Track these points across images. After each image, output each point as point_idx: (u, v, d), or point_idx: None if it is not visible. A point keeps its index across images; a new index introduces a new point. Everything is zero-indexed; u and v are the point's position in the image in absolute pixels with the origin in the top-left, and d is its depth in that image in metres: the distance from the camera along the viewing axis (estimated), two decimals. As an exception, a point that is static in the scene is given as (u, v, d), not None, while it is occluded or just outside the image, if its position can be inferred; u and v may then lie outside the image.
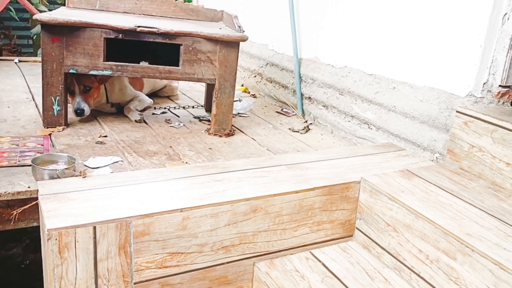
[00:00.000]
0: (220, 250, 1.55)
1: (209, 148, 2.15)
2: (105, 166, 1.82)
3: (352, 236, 1.82)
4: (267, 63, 3.32)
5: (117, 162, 1.88)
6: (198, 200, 1.51)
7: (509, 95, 1.95)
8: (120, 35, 2.11)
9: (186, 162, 1.95)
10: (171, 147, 2.12)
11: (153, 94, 2.95)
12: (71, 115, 2.32)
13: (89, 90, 2.36)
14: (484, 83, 1.90)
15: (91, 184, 1.56)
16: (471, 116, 1.85)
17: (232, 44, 2.26)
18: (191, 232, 1.48)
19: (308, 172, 1.81)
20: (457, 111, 1.89)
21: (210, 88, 2.70)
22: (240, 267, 1.60)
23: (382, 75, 2.33)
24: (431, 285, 1.47)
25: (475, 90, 1.90)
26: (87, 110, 2.32)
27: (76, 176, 1.62)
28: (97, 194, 1.49)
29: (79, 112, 2.29)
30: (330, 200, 1.73)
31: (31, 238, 3.17)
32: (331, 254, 1.69)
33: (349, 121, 2.53)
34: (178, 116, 2.62)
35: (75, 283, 1.33)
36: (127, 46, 2.24)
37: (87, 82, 2.33)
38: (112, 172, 1.76)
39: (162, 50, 2.28)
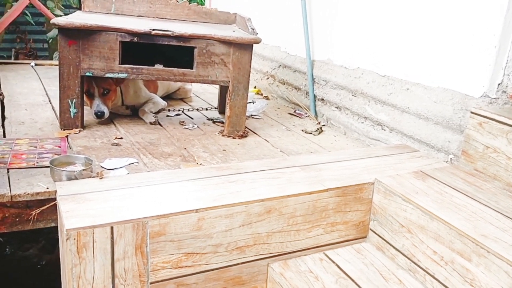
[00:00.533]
0: (235, 251, 1.56)
1: (223, 150, 2.17)
2: (121, 167, 1.84)
3: (366, 237, 1.83)
4: (280, 65, 3.33)
5: (132, 163, 1.90)
6: (213, 201, 1.53)
7: (525, 96, 1.93)
8: (135, 38, 2.14)
9: (201, 164, 1.97)
10: (185, 148, 2.14)
11: (167, 97, 2.98)
12: (87, 117, 2.36)
13: (108, 93, 2.39)
14: (499, 84, 1.89)
15: (108, 185, 1.59)
16: (485, 117, 1.84)
17: (245, 46, 2.27)
18: (206, 233, 1.50)
19: (321, 173, 1.82)
20: (471, 112, 1.89)
21: (223, 90, 2.72)
22: (255, 267, 1.61)
23: (395, 76, 2.33)
24: (446, 286, 1.47)
25: (490, 91, 1.90)
26: (107, 112, 2.35)
27: (93, 177, 1.65)
28: (114, 195, 1.51)
29: (99, 114, 2.32)
30: (344, 201, 1.73)
31: (47, 239, 3.22)
32: (345, 255, 1.70)
33: (362, 123, 2.53)
34: (192, 118, 2.65)
35: (93, 283, 1.35)
36: (142, 49, 2.27)
37: (105, 85, 2.37)
38: (128, 173, 1.78)
39: (177, 53, 2.31)
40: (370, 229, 1.81)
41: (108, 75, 2.19)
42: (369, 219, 1.81)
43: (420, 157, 2.06)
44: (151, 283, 1.43)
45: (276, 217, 1.61)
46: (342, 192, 1.72)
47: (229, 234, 1.54)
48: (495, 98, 1.91)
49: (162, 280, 1.45)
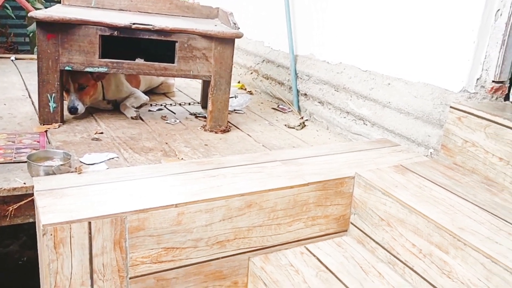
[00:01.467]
0: (215, 245, 1.56)
1: (205, 145, 2.16)
2: (100, 162, 1.83)
3: (346, 231, 1.84)
4: (263, 60, 3.33)
5: (112, 158, 1.88)
6: (193, 195, 1.52)
7: (503, 91, 1.96)
8: (116, 32, 2.12)
9: (182, 158, 1.96)
10: (167, 143, 2.13)
11: (149, 91, 2.96)
12: (67, 112, 2.33)
13: (84, 88, 2.36)
14: (478, 79, 1.91)
15: (86, 180, 1.57)
16: (464, 111, 1.86)
17: (227, 41, 2.27)
18: (186, 227, 1.49)
19: (303, 167, 1.82)
20: (450, 107, 1.91)
21: (206, 85, 2.71)
22: (235, 262, 1.61)
23: (376, 71, 2.34)
24: (424, 278, 1.49)
25: (469, 85, 1.92)
26: (80, 108, 2.32)
27: (72, 172, 1.63)
28: (92, 190, 1.50)
29: (72, 110, 2.30)
30: (325, 195, 1.74)
31: (28, 235, 3.18)
32: (326, 249, 1.71)
33: (345, 117, 2.54)
34: (174, 113, 2.63)
35: (71, 278, 1.34)
36: (123, 44, 2.25)
37: (82, 80, 2.34)
38: (107, 169, 1.76)
39: (158, 48, 2.29)
40: (351, 223, 1.82)
41: (88, 69, 2.16)
42: (349, 213, 1.82)
43: (400, 151, 2.08)
44: (130, 278, 1.42)
45: (256, 212, 1.61)
46: (322, 186, 1.72)
47: (210, 228, 1.53)
48: (474, 93, 1.93)
49: (141, 275, 1.45)
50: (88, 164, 1.79)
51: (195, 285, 1.56)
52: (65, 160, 1.68)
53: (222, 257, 1.58)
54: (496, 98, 1.95)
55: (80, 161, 1.81)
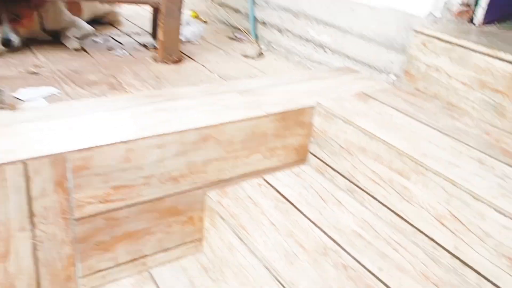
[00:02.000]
0: (169, 181, 1.47)
1: (156, 77, 2.01)
2: (39, 98, 1.66)
3: (305, 160, 1.78)
4: (218, -14, 3.11)
5: (53, 94, 1.72)
6: (142, 130, 1.40)
7: (469, 14, 1.88)
8: (47, -50, 1.88)
9: (130, 92, 1.82)
10: (113, 76, 1.97)
11: (94, 22, 2.72)
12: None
13: (19, 18, 2.13)
14: (445, 2, 1.82)
15: (22, 117, 1.42)
16: (429, 35, 1.78)
17: (175, -39, 2.06)
18: (136, 164, 1.39)
19: (261, 98, 1.72)
20: (415, 31, 1.82)
21: (156, 13, 2.50)
22: (191, 197, 1.54)
23: (337, -5, 2.20)
24: (383, 204, 1.46)
25: (435, 10, 1.82)
26: (15, 40, 2.10)
27: (4, 109, 1.47)
28: (29, 128, 1.35)
29: (4, 42, 2.07)
30: (284, 126, 1.65)
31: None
32: (285, 180, 1.65)
33: (304, 45, 2.42)
34: (122, 44, 2.44)
35: (9, 224, 1.22)
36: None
37: (15, 10, 2.10)
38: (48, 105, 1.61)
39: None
40: (310, 152, 1.76)
41: (19, -6, 1.93)
42: (309, 143, 1.75)
43: (362, 79, 2.00)
44: (76, 220, 1.32)
45: (213, 145, 1.51)
46: (282, 117, 1.63)
47: (162, 165, 1.43)
48: (440, 17, 1.84)
49: (89, 216, 1.35)
50: (24, 100, 1.63)
51: (149, 222, 1.48)
52: (-3, 95, 1.52)
53: (177, 193, 1.50)
54: (462, 22, 1.87)
55: (14, 97, 1.64)
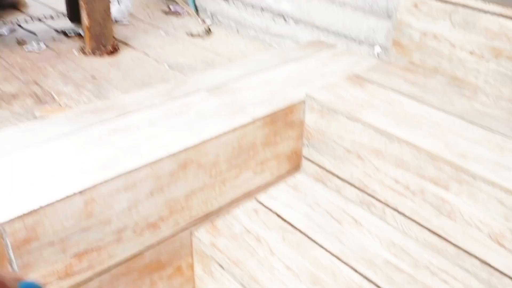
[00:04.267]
0: (146, 230, 1.11)
1: (92, 77, 1.58)
2: None
3: (299, 167, 1.48)
4: None
5: (-43, 121, 1.26)
6: (102, 169, 1.02)
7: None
8: None
9: (65, 105, 1.39)
10: (36, 83, 1.51)
11: (-10, 5, 2.16)
12: None
13: None
14: (431, -47, 1.54)
15: None
16: (420, -4, 1.50)
17: None
18: (101, 218, 1.01)
19: (238, 96, 1.37)
20: (403, -8, 1.53)
21: (71, -10, 2.01)
22: (175, 242, 1.19)
23: (297, -47, 1.85)
24: (413, 220, 1.21)
25: (421, -37, 1.54)
26: None
27: None
28: None
29: None
30: (274, 130, 1.33)
31: None
32: (282, 198, 1.35)
33: (259, 16, 2.06)
34: (35, 34, 1.93)
35: None
36: None
37: None
38: (-48, 141, 1.15)
39: None
40: (304, 157, 1.46)
41: None
42: (301, 146, 1.45)
43: (342, 54, 1.70)
44: (31, 316, 0.94)
45: (194, 172, 1.17)
46: (270, 120, 1.31)
47: (135, 211, 1.07)
48: (425, -29, 1.56)
49: (48, 304, 0.97)
50: None
51: (128, 286, 1.13)
52: None
53: (158, 242, 1.15)
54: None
55: None
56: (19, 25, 1.99)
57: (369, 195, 1.30)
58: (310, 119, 1.39)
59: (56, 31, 1.97)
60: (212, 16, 2.28)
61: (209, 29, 2.12)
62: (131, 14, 2.26)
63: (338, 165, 1.36)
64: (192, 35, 2.06)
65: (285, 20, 1.96)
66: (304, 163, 1.46)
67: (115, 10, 2.20)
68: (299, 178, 1.44)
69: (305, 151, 1.44)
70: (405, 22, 1.56)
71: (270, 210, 1.30)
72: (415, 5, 1.51)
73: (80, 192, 0.97)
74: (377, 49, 1.68)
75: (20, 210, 0.90)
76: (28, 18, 2.07)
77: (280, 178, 1.42)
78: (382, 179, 1.25)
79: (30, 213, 0.90)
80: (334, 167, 1.37)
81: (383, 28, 1.65)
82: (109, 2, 1.74)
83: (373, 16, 1.67)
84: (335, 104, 1.33)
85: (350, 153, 1.31)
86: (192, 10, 2.34)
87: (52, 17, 2.11)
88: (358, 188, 1.32)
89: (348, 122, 1.29)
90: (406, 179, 1.20)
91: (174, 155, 1.10)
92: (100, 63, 1.69)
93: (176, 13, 2.34)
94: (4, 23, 1.98)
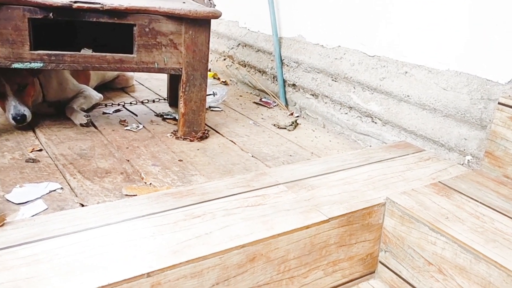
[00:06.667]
0: (207, 322, 1.08)
1: (179, 160, 1.66)
2: (37, 199, 1.31)
3: (374, 272, 1.40)
4: (239, 44, 2.82)
5: (54, 190, 1.37)
6: (172, 254, 1.04)
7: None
8: (51, 14, 1.57)
9: (150, 184, 1.47)
10: (128, 161, 1.62)
11: (103, 86, 2.42)
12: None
13: (25, 88, 1.82)
14: (531, 65, 1.49)
15: (10, 238, 1.06)
16: (516, 108, 1.44)
17: (201, 22, 1.76)
18: (164, 304, 1.01)
19: (315, 193, 1.36)
20: (499, 103, 1.48)
21: (174, 78, 2.19)
22: None
23: (388, 57, 1.89)
24: None
25: (519, 74, 1.50)
26: (29, 114, 1.80)
27: (-11, 224, 1.11)
28: (17, 258, 0.98)
29: (19, 119, 1.76)
30: (349, 231, 1.29)
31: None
32: (354, 305, 1.27)
33: (346, 113, 2.09)
34: (136, 115, 2.11)
35: None
36: (64, 31, 1.71)
37: (19, 79, 1.79)
38: (46, 209, 1.25)
39: (111, 35, 1.76)
40: (380, 262, 1.38)
41: (15, 65, 1.61)
42: (378, 250, 1.38)
43: (429, 159, 1.64)
44: None
45: (262, 266, 1.14)
46: (347, 221, 1.27)
47: (198, 300, 1.06)
48: (523, 83, 1.51)
49: None
50: (19, 204, 1.27)
51: None
52: (-20, 204, 1.16)
53: (218, 336, 1.12)
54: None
55: (7, 200, 1.29)
56: (124, 106, 2.19)
57: (450, 316, 1.18)
58: (390, 224, 1.33)
59: (155, 114, 2.13)
60: (300, 110, 2.35)
61: (296, 122, 2.18)
62: (224, 101, 2.40)
63: (416, 276, 1.26)
64: (279, 126, 2.12)
65: (372, 119, 1.96)
66: (380, 268, 1.38)
67: (210, 99, 2.36)
68: (373, 283, 1.36)
69: (382, 256, 1.37)
70: (500, 134, 1.49)
71: (339, 318, 1.22)
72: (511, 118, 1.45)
73: (148, 274, 0.98)
74: (467, 157, 1.61)
75: (91, 285, 0.92)
76: (132, 100, 2.28)
77: (352, 281, 1.34)
78: (465, 300, 1.14)
79: (98, 289, 0.93)
80: (412, 277, 1.28)
81: (475, 137, 1.58)
82: (205, 93, 1.86)
83: (465, 124, 1.61)
84: (417, 212, 1.26)
85: (430, 265, 1.22)
86: (282, 103, 2.44)
87: (153, 101, 2.30)
88: (438, 307, 1.21)
89: (430, 232, 1.21)
90: (493, 305, 1.08)
91: (244, 246, 1.10)
92: (189, 148, 1.78)
93: (267, 104, 2.45)
94: (112, 104, 2.19)
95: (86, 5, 1.58)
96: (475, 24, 1.56)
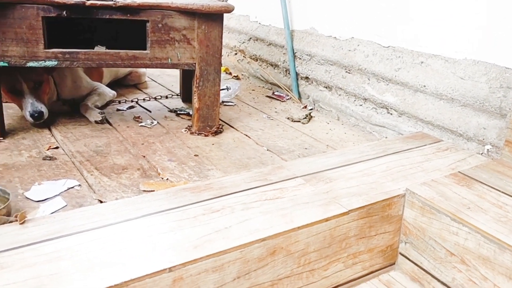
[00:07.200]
0: (229, 316, 1.08)
1: (195, 155, 1.66)
2: (55, 196, 1.31)
3: (394, 264, 1.39)
4: (250, 38, 2.81)
5: (72, 187, 1.37)
6: (194, 249, 1.04)
7: None
8: (64, 12, 1.57)
9: (167, 179, 1.47)
10: (144, 157, 1.62)
11: (115, 83, 2.42)
12: (10, 120, 1.79)
13: (41, 86, 1.83)
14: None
15: (31, 235, 1.06)
16: (536, 96, 1.41)
17: (214, 17, 1.75)
18: (186, 298, 1.01)
19: (333, 185, 1.35)
20: (518, 91, 1.46)
21: (186, 73, 2.19)
22: (257, 332, 1.15)
23: (403, 47, 1.86)
24: None
25: (538, 61, 1.47)
26: (46, 111, 1.80)
27: (10, 222, 1.12)
28: (39, 255, 0.99)
29: (37, 116, 1.77)
30: (369, 223, 1.28)
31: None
32: (376, 297, 1.26)
33: (361, 105, 2.07)
34: (150, 111, 2.11)
35: None
36: (77, 28, 1.71)
37: (35, 76, 1.80)
38: (65, 206, 1.26)
39: (124, 31, 1.76)
40: (400, 254, 1.37)
41: (30, 64, 1.62)
42: (398, 241, 1.37)
43: (447, 149, 1.62)
44: None
45: (282, 259, 1.14)
46: (366, 213, 1.26)
47: (220, 294, 1.05)
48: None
49: None
50: (38, 201, 1.28)
51: None
52: (1, 202, 1.17)
53: (240, 330, 1.11)
54: None
55: (26, 197, 1.29)
56: (137, 103, 2.19)
57: (474, 307, 1.16)
58: (410, 215, 1.31)
59: (169, 109, 2.13)
60: (314, 103, 2.33)
61: (310, 115, 2.16)
62: (237, 96, 2.39)
63: (438, 267, 1.25)
64: (293, 120, 2.11)
65: (388, 111, 1.94)
66: (400, 259, 1.36)
67: (223, 94, 2.35)
68: (393, 275, 1.35)
69: (402, 248, 1.35)
70: (520, 121, 1.46)
71: (361, 310, 1.22)
72: (532, 104, 1.42)
73: (170, 269, 0.98)
74: (487, 147, 1.58)
75: (112, 280, 0.93)
76: (146, 96, 2.28)
77: (372, 273, 1.33)
78: (490, 291, 1.12)
79: (121, 284, 0.93)
80: (433, 268, 1.26)
81: (495, 127, 1.56)
82: (219, 87, 1.86)
83: (484, 113, 1.59)
84: (438, 203, 1.24)
85: (453, 255, 1.20)
86: (295, 96, 2.42)
87: (166, 97, 2.30)
88: (462, 298, 1.19)
89: (452, 223, 1.20)
90: (519, 295, 1.06)
91: (264, 240, 1.09)
92: (204, 142, 1.78)
93: (280, 98, 2.43)
94: (125, 101, 2.19)
95: (99, 3, 1.58)
96: (493, 11, 1.54)
